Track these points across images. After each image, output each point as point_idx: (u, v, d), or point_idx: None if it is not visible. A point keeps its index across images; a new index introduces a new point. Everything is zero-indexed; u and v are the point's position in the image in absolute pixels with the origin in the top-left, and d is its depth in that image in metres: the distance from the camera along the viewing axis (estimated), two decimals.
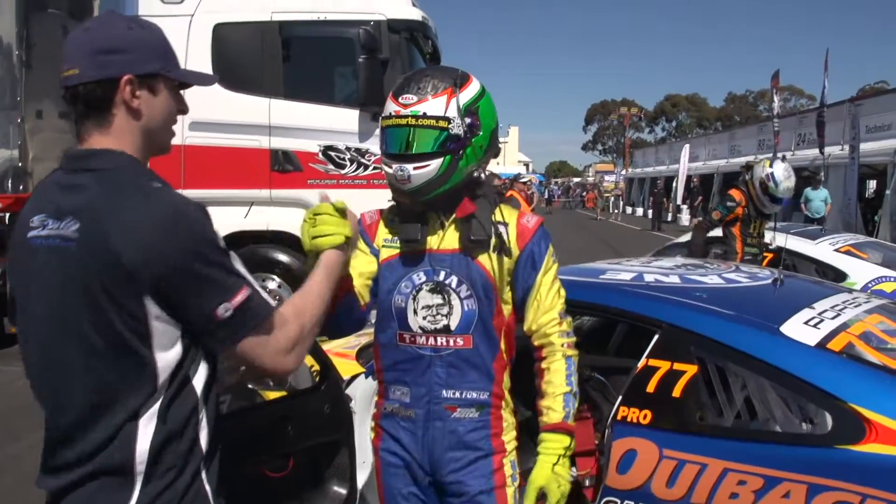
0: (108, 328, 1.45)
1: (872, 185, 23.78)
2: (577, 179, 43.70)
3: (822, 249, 6.04)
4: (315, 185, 6.85)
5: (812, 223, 14.24)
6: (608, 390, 2.91)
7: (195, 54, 7.06)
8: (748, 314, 2.64)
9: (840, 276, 5.72)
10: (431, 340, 2.11)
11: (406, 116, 2.02)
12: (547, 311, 2.13)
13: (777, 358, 2.39)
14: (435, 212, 2.12)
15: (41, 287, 1.52)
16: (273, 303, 1.56)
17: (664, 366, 2.51)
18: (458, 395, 2.10)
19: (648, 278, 2.96)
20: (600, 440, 2.53)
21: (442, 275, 2.10)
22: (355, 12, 6.95)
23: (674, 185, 33.53)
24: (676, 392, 2.46)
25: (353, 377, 3.18)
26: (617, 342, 3.52)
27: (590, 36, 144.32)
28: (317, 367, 2.95)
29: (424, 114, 2.00)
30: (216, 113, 7.06)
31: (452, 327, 2.09)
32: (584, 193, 51.08)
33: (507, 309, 2.15)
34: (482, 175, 2.15)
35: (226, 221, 6.62)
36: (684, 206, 31.30)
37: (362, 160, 6.91)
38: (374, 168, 6.79)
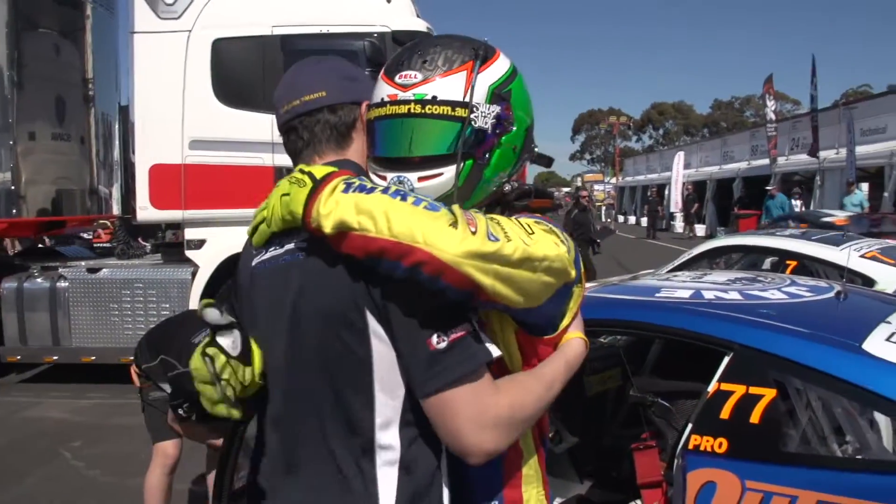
0: (335, 349, 1.35)
1: (864, 187, 23.80)
2: (566, 189, 43.69)
3: (848, 255, 5.86)
4: None
5: None
6: (672, 416, 2.72)
7: (194, 71, 6.98)
8: (823, 331, 2.46)
9: (868, 282, 5.54)
10: None
11: (406, 102, 1.43)
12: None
13: (866, 379, 2.20)
14: None
15: (276, 310, 1.43)
16: (495, 353, 1.35)
17: (739, 390, 2.32)
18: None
19: (708, 295, 2.77)
20: (666, 470, 2.34)
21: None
22: (359, 24, 6.80)
23: (666, 192, 33.51)
24: (755, 418, 2.27)
25: None
26: (675, 365, 3.33)
27: (575, 45, 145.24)
28: None
29: (434, 97, 1.42)
30: (216, 131, 6.92)
31: None
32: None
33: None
34: (511, 187, 1.58)
35: (230, 242, 6.45)
36: (678, 214, 31.24)
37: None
38: None
